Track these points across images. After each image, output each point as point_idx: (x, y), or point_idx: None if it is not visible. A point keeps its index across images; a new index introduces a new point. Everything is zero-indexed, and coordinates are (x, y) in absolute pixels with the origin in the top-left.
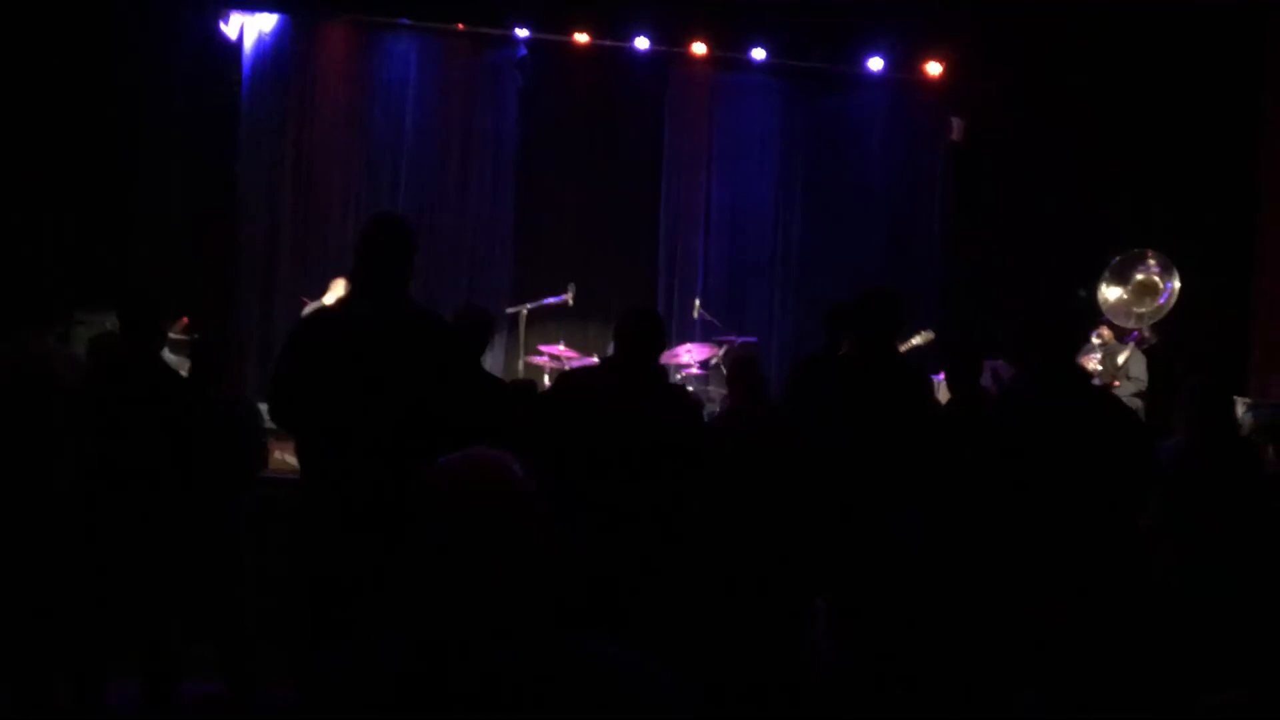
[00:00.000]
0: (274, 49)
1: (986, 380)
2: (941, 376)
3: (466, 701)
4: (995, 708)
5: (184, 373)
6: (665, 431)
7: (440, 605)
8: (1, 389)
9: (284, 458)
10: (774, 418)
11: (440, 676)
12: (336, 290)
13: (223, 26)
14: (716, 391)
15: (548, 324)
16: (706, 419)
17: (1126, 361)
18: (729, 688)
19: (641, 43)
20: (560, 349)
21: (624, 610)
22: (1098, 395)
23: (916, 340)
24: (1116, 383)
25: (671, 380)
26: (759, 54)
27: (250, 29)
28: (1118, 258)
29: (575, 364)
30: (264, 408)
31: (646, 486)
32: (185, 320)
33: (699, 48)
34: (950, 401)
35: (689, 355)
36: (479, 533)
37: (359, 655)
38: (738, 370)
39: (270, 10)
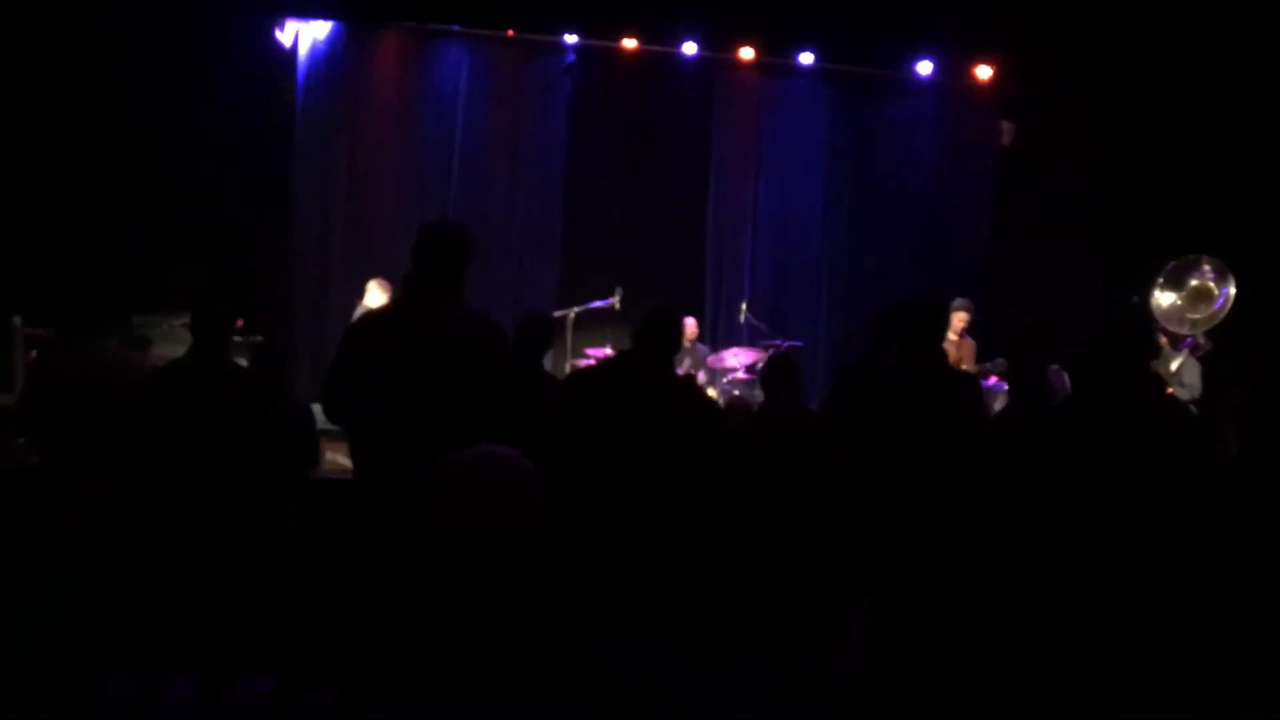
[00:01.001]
0: (328, 57)
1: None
2: (989, 382)
3: (469, 701)
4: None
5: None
6: (668, 417)
7: (445, 601)
8: (68, 391)
9: (335, 458)
10: (803, 418)
11: (442, 672)
12: (372, 292)
13: (278, 35)
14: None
15: (595, 328)
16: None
17: (1180, 368)
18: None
19: (690, 48)
20: (607, 353)
21: (627, 610)
22: (1157, 402)
23: (989, 366)
24: (1170, 389)
25: (719, 385)
26: (807, 59)
27: (305, 37)
28: (1172, 263)
29: None
30: (317, 408)
31: (651, 473)
32: (240, 322)
33: (747, 53)
34: (1008, 408)
35: (735, 359)
36: (488, 529)
37: (364, 657)
38: (769, 372)
39: (325, 18)
